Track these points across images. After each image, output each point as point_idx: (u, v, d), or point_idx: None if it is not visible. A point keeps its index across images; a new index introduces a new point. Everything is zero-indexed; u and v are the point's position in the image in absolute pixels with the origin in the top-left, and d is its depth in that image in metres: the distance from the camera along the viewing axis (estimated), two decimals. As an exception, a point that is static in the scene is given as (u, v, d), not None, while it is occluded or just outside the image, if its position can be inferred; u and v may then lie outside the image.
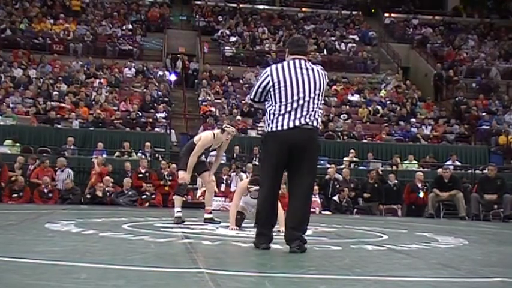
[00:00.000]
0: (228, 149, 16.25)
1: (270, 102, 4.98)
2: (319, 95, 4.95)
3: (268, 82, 4.98)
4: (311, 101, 4.89)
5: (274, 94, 4.93)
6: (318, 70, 5.04)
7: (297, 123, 4.85)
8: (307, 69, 5.00)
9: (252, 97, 5.20)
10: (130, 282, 3.20)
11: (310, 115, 4.88)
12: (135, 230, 6.61)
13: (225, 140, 8.11)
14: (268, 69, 5.11)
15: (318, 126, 4.99)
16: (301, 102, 4.87)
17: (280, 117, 4.89)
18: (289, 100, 4.88)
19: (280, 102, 4.90)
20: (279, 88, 4.92)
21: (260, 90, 5.06)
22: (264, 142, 5.07)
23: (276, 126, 4.89)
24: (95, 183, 13.97)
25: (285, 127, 4.86)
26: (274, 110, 4.92)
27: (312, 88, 4.92)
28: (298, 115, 4.86)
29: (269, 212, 5.02)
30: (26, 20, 23.56)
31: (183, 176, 8.09)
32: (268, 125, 4.98)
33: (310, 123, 4.88)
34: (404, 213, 14.70)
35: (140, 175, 14.55)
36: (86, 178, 14.70)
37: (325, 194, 14.77)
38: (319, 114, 4.98)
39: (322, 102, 5.07)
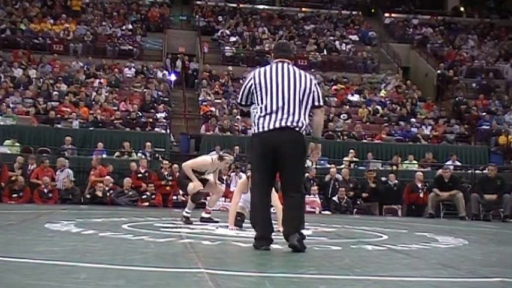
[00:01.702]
0: (227, 149, 16.42)
1: (255, 105, 5.07)
2: (303, 96, 4.96)
3: (252, 84, 5.06)
4: (292, 102, 4.92)
5: (257, 96, 5.01)
6: (301, 73, 5.08)
7: (277, 124, 4.88)
8: (288, 71, 5.04)
9: (239, 100, 5.31)
10: (130, 282, 3.20)
11: (293, 116, 4.90)
12: (135, 230, 6.61)
13: (222, 167, 8.36)
14: (252, 72, 5.22)
15: (304, 128, 4.95)
16: (280, 104, 4.91)
17: (262, 119, 4.94)
18: (270, 102, 4.94)
19: (263, 103, 4.96)
20: (261, 90, 4.99)
21: (245, 92, 5.15)
22: (251, 144, 5.17)
23: (259, 128, 4.94)
24: (94, 183, 13.98)
25: (266, 128, 4.91)
26: (258, 112, 4.99)
27: (292, 90, 4.95)
28: (279, 116, 4.89)
29: (262, 217, 5.01)
30: (26, 20, 23.56)
31: (194, 185, 8.02)
32: (253, 126, 5.07)
33: (290, 124, 4.89)
34: (404, 213, 14.70)
35: (139, 175, 14.56)
36: (85, 178, 14.71)
37: (325, 194, 14.78)
38: (305, 117, 4.95)
39: (309, 104, 5.00)
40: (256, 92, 5.02)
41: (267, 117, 4.91)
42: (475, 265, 4.63)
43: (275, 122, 4.89)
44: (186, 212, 8.08)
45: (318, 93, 5.03)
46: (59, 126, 17.06)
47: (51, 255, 4.21)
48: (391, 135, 18.72)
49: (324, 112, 5.17)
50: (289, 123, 4.87)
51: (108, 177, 14.16)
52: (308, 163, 16.07)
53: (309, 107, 5.00)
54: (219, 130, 17.71)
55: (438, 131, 19.24)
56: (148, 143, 16.10)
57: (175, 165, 15.02)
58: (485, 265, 4.67)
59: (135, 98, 19.38)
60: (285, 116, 4.88)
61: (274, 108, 4.91)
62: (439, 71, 23.49)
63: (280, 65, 5.09)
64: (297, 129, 4.89)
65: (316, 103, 5.01)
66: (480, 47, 26.22)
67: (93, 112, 17.76)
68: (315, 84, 5.08)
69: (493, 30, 28.21)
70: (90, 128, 16.98)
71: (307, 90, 4.98)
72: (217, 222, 7.94)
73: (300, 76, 5.02)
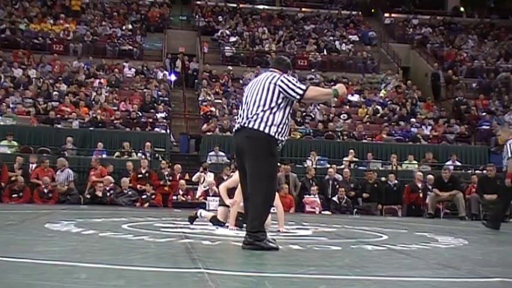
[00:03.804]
0: (227, 148, 16.45)
1: None
2: (266, 99, 5.00)
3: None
4: (251, 104, 5.06)
5: None
6: (268, 78, 5.11)
7: (238, 125, 5.14)
8: (261, 79, 5.17)
9: None
10: (130, 282, 3.20)
11: (252, 116, 5.02)
12: (135, 230, 6.62)
13: None
14: None
15: (263, 128, 4.96)
16: (244, 106, 5.13)
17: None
18: (240, 107, 5.24)
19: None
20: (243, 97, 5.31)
21: None
22: None
23: None
24: (94, 183, 13.98)
25: (234, 131, 5.28)
26: None
27: (254, 92, 5.10)
28: (240, 118, 5.14)
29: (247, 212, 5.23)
30: (26, 20, 23.56)
31: (222, 213, 7.52)
32: None
33: (248, 124, 5.02)
34: (404, 213, 14.70)
35: (140, 175, 14.54)
36: (85, 178, 14.71)
37: (325, 194, 14.78)
38: (269, 118, 4.97)
39: (277, 104, 5.01)
40: None
41: (237, 120, 5.23)
42: (475, 265, 4.62)
43: (238, 123, 5.17)
44: (201, 215, 7.76)
45: (289, 89, 4.99)
46: (59, 126, 17.06)
47: (51, 255, 4.21)
48: (391, 135, 18.71)
49: (310, 93, 5.03)
50: (246, 124, 5.03)
51: (108, 177, 14.16)
52: (308, 163, 16.10)
53: (267, 103, 5.00)
54: (219, 130, 17.71)
55: (438, 131, 19.23)
56: (148, 143, 16.11)
57: (179, 166, 15.06)
58: (485, 265, 4.67)
59: (135, 98, 19.38)
60: (243, 116, 5.09)
61: (240, 112, 5.18)
62: (432, 71, 23.48)
63: (264, 73, 5.28)
64: (255, 128, 4.98)
65: (298, 97, 5.03)
66: (480, 47, 26.22)
67: (93, 112, 17.75)
68: (283, 82, 5.01)
69: (493, 30, 28.20)
70: (90, 128, 16.97)
71: (267, 86, 5.03)
72: (223, 224, 7.55)
73: (267, 77, 5.12)
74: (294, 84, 5.03)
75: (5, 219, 7.78)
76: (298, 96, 5.01)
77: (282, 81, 5.03)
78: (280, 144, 5.09)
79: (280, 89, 5.00)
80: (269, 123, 4.96)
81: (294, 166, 15.80)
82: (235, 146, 5.22)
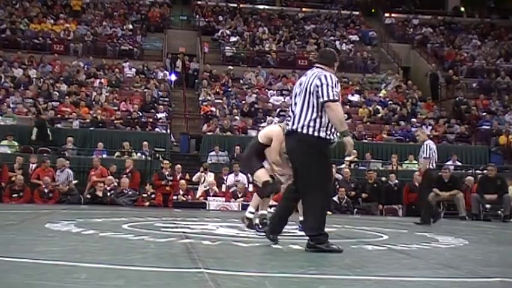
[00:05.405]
0: (227, 148, 16.46)
1: None
2: (309, 97, 4.98)
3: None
4: (299, 106, 5.05)
5: None
6: (314, 74, 5.07)
7: (290, 129, 5.15)
8: (307, 76, 5.11)
9: None
10: (130, 282, 3.21)
11: (299, 119, 5.02)
12: (135, 230, 6.62)
13: None
14: None
15: (313, 132, 4.94)
16: (293, 108, 5.16)
17: None
18: (291, 106, 5.25)
19: None
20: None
21: None
22: None
23: None
24: (95, 183, 13.97)
25: (286, 133, 5.33)
26: None
27: (301, 96, 5.07)
28: (291, 121, 5.13)
29: (276, 212, 5.37)
30: (26, 20, 23.56)
31: (262, 173, 6.63)
32: None
33: (295, 127, 5.03)
34: (404, 213, 14.70)
35: (125, 176, 14.52)
36: (86, 178, 14.71)
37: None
38: (314, 118, 4.94)
39: (315, 103, 4.96)
40: None
41: (289, 121, 5.23)
42: (475, 265, 4.63)
43: (290, 126, 5.15)
44: (250, 213, 6.76)
45: (321, 88, 4.91)
46: (59, 126, 17.06)
47: (52, 255, 4.22)
48: (392, 135, 18.70)
49: (332, 106, 4.89)
50: (294, 127, 5.05)
51: (110, 177, 14.17)
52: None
53: (315, 106, 4.96)
54: (219, 130, 17.71)
55: (438, 131, 19.22)
56: (145, 142, 16.08)
57: (179, 166, 15.05)
58: (485, 265, 4.67)
59: (136, 98, 19.38)
60: (293, 120, 5.09)
61: (290, 114, 5.20)
62: (430, 71, 23.47)
63: (309, 73, 5.18)
64: (304, 132, 4.96)
65: (321, 99, 4.92)
66: (480, 47, 26.22)
67: (94, 112, 17.75)
68: (320, 81, 4.93)
69: (493, 30, 28.20)
70: (91, 128, 16.97)
71: (310, 89, 4.98)
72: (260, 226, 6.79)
73: (310, 77, 5.05)
74: (331, 86, 4.90)
75: (5, 219, 7.79)
76: (325, 98, 4.88)
77: (319, 78, 4.95)
78: (333, 144, 5.07)
79: (317, 88, 4.93)
80: (317, 126, 4.94)
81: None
82: (288, 148, 5.34)
